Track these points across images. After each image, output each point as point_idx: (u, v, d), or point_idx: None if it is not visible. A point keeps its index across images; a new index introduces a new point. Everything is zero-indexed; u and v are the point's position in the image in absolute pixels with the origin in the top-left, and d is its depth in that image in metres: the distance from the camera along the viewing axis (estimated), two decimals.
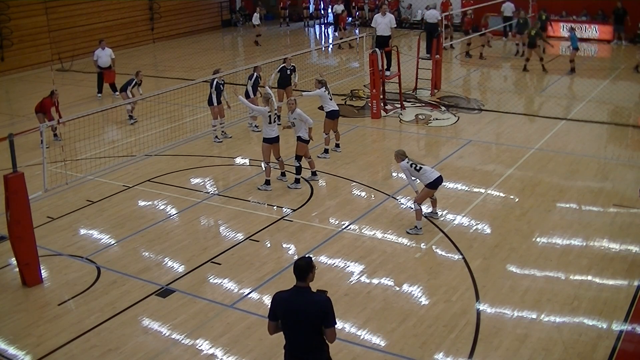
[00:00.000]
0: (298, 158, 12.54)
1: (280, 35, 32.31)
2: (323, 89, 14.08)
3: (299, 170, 12.58)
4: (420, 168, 10.56)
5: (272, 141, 12.44)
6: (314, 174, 13.00)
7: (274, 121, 12.37)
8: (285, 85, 16.71)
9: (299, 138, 12.47)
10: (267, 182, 12.56)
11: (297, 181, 12.59)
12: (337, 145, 14.63)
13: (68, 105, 18.82)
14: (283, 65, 16.60)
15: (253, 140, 15.57)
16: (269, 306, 5.87)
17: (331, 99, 14.23)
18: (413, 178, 10.64)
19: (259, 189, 12.56)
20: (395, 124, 16.88)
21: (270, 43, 29.57)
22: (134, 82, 17.41)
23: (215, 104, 15.31)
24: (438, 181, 10.57)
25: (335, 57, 27.26)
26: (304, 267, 5.70)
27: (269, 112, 12.26)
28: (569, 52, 22.03)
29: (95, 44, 20.97)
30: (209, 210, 11.95)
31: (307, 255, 5.91)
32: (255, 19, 29.29)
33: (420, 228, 10.65)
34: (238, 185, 12.95)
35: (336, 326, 5.75)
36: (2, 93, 22.42)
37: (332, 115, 14.21)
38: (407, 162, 10.59)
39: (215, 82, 15.17)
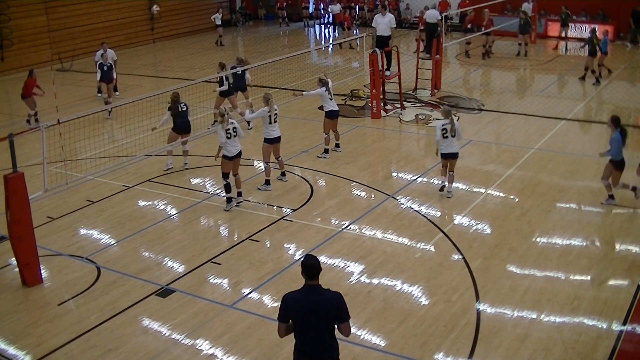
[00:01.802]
0: (224, 176, 11.77)
1: (279, 36, 32.31)
2: (324, 88, 14.04)
3: (227, 188, 11.84)
4: (446, 137, 11.68)
5: (274, 141, 12.46)
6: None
7: (274, 121, 12.37)
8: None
9: (224, 155, 11.67)
10: (267, 182, 12.56)
11: (229, 200, 11.89)
12: (337, 145, 14.63)
13: (68, 105, 18.86)
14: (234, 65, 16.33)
15: (253, 140, 15.56)
16: (279, 308, 5.77)
17: (332, 99, 14.20)
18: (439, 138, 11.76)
19: (259, 189, 12.56)
20: (395, 124, 16.88)
21: (270, 43, 29.57)
22: None
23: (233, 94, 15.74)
24: (448, 155, 11.78)
25: (336, 57, 27.25)
26: (316, 266, 5.66)
27: (268, 112, 12.25)
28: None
29: (95, 44, 20.98)
30: (209, 210, 11.95)
31: (308, 254, 5.89)
32: (217, 19, 29.57)
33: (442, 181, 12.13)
34: None
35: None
36: (2, 93, 22.42)
37: (332, 115, 14.18)
38: (442, 125, 11.70)
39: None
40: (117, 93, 20.32)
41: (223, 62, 16.46)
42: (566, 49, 25.60)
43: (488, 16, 24.19)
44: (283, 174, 12.95)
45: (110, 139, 16.15)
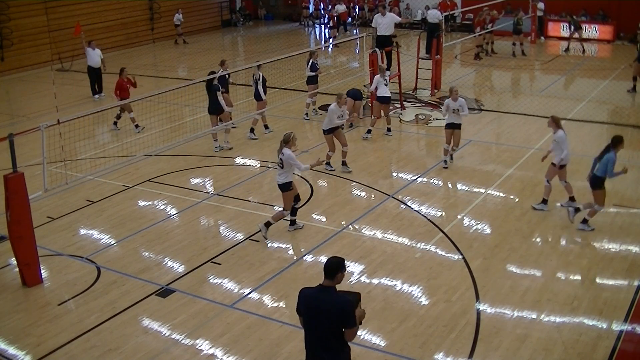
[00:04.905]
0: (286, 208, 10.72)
1: (280, 35, 32.27)
2: (379, 75, 15.51)
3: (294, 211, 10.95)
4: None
5: (331, 131, 13.30)
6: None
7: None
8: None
9: (289, 184, 10.54)
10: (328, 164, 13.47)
11: (266, 225, 10.66)
12: (389, 130, 15.77)
13: (68, 105, 18.86)
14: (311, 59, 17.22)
15: (253, 141, 15.59)
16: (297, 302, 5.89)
17: (386, 85, 15.41)
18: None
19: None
20: (395, 124, 16.85)
21: (270, 43, 29.57)
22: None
23: (264, 98, 15.60)
24: (452, 125, 13.33)
25: (335, 57, 27.25)
26: (333, 266, 5.71)
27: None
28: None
29: (95, 44, 20.95)
30: (209, 210, 11.95)
31: (338, 256, 5.95)
32: (177, 19, 29.95)
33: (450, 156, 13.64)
34: (238, 185, 12.95)
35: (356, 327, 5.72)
36: (2, 93, 22.41)
37: (382, 100, 15.45)
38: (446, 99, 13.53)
39: (261, 76, 15.45)
40: (96, 96, 20.39)
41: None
42: (583, 50, 25.15)
43: (488, 14, 23.87)
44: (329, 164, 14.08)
45: (110, 139, 16.13)
